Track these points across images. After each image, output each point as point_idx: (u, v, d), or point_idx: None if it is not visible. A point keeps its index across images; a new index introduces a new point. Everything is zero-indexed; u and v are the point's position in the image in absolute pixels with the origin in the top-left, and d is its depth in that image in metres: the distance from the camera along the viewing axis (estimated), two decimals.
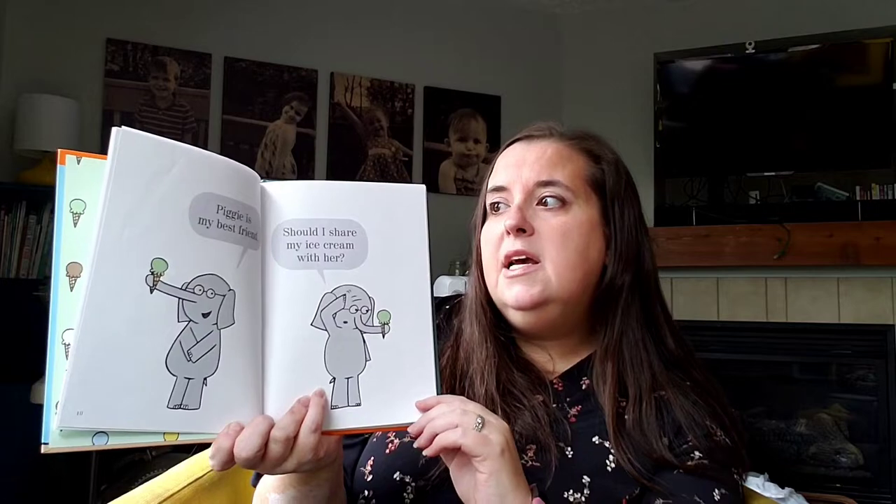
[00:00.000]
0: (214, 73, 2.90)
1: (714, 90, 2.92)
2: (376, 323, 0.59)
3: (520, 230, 0.71)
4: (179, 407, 0.50)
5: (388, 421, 0.59)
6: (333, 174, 3.03)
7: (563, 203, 0.72)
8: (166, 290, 0.51)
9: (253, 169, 0.60)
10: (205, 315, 0.52)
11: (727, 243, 2.57)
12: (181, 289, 0.51)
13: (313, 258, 0.58)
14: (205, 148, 0.56)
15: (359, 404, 0.57)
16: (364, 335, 0.59)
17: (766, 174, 2.83)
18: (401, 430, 0.67)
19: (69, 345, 0.47)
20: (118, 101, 2.74)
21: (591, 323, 0.79)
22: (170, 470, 0.89)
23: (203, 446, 0.68)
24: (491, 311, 0.78)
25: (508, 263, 0.73)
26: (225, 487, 0.90)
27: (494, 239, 0.75)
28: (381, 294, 0.60)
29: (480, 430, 0.57)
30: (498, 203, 0.76)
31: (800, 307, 2.56)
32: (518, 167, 0.75)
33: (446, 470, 0.66)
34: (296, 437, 0.53)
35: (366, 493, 0.71)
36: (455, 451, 0.58)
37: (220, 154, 0.57)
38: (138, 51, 2.78)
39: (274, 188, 0.59)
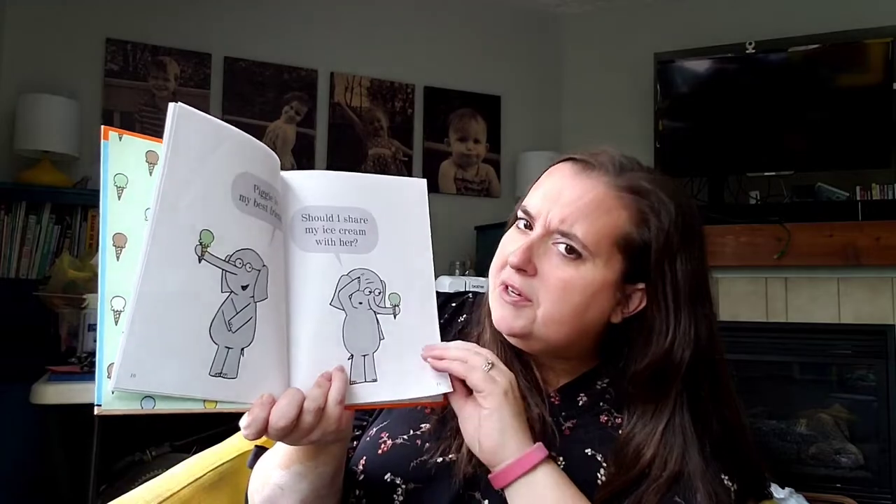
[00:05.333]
0: (214, 73, 2.90)
1: (714, 90, 2.92)
2: (388, 304, 0.63)
3: (521, 269, 0.70)
4: (220, 375, 0.52)
5: (401, 396, 0.62)
6: None
7: (577, 256, 0.69)
8: (212, 260, 0.53)
9: None
10: (243, 287, 0.54)
11: (727, 243, 2.57)
12: (224, 260, 0.53)
13: (330, 242, 0.62)
14: None
15: (375, 380, 0.61)
16: (377, 315, 0.62)
17: (766, 174, 2.83)
18: (413, 406, 0.71)
19: (118, 311, 0.49)
20: (118, 101, 2.74)
21: (596, 352, 0.78)
22: (170, 470, 0.89)
23: (202, 445, 0.68)
24: None
25: (506, 287, 0.72)
26: (225, 487, 0.90)
27: (502, 257, 0.74)
28: (391, 278, 0.64)
29: (488, 371, 0.62)
30: (522, 221, 0.74)
31: (800, 307, 2.56)
32: (551, 202, 0.70)
33: (436, 470, 0.69)
34: (323, 408, 0.56)
35: (357, 491, 0.73)
36: (464, 392, 0.63)
37: None
38: (138, 51, 2.78)
39: (290, 176, 0.63)
